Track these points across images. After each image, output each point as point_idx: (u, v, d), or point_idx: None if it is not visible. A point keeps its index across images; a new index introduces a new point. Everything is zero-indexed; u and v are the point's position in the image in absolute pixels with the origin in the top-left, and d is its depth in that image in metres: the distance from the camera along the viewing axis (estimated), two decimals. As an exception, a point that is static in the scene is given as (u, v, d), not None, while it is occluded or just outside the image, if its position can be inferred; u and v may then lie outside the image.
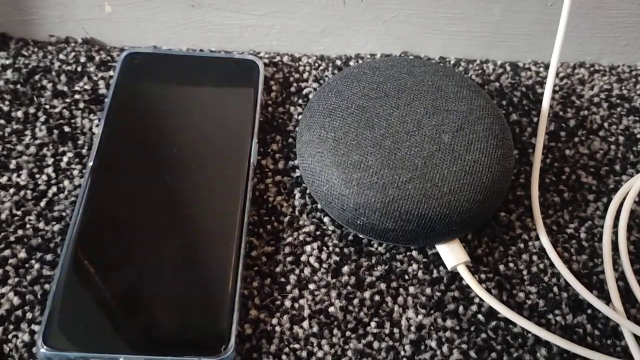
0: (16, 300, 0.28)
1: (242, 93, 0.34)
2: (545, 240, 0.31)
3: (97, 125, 0.34)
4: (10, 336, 0.27)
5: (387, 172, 0.28)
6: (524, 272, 0.30)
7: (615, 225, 0.31)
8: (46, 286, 0.28)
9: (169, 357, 0.26)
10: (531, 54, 0.39)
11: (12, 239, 0.29)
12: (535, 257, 0.31)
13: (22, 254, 0.29)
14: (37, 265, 0.29)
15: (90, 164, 0.30)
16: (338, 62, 0.38)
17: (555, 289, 0.30)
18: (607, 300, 0.29)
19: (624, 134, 0.36)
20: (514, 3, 0.37)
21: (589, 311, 0.29)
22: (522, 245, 0.31)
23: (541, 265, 0.31)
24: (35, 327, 0.27)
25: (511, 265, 0.30)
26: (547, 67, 0.39)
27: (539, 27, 0.38)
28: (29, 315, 0.27)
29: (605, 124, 0.36)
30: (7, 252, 0.29)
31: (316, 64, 0.38)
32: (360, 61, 0.38)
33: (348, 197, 0.28)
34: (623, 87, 0.38)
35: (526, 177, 0.34)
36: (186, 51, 0.37)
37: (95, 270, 0.28)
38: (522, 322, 0.28)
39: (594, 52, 0.40)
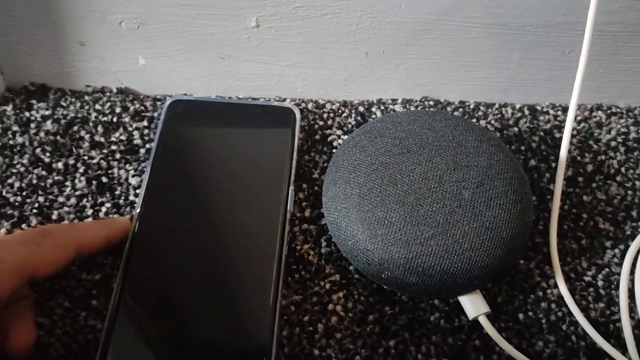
0: (62, 350, 0.29)
1: (280, 140, 0.36)
2: (563, 288, 0.32)
3: (133, 175, 0.35)
4: (57, 384, 0.29)
5: (410, 229, 0.29)
6: (543, 321, 0.31)
7: (632, 272, 0.32)
8: (89, 336, 0.30)
9: None
10: (549, 97, 0.40)
11: (55, 289, 0.31)
12: (553, 305, 0.32)
13: (66, 304, 0.31)
14: (82, 314, 0.30)
15: (138, 210, 0.32)
16: (361, 109, 0.39)
17: (573, 337, 0.31)
18: (624, 349, 0.30)
19: (640, 179, 0.37)
20: (531, 50, 0.38)
21: (607, 360, 0.30)
22: (540, 294, 0.32)
23: (559, 314, 0.32)
24: (80, 376, 0.29)
25: (530, 313, 0.32)
26: (565, 109, 0.40)
27: (556, 72, 0.39)
28: (74, 364, 0.29)
29: (623, 169, 0.37)
30: (52, 303, 0.31)
31: (339, 111, 0.39)
32: (382, 107, 0.39)
33: (373, 253, 0.29)
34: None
35: (544, 224, 0.35)
36: (227, 98, 0.39)
37: (143, 312, 0.29)
38: (541, 371, 0.29)
39: (611, 95, 0.41)
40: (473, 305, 0.30)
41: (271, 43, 0.37)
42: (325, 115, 0.39)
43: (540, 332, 0.31)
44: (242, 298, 0.30)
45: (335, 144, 0.38)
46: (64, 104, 0.39)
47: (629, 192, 0.36)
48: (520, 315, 0.32)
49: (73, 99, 0.39)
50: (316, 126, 0.38)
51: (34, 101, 0.38)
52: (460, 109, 0.40)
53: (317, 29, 0.36)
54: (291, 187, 0.34)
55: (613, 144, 0.38)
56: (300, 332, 0.31)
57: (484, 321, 0.30)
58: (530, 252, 0.34)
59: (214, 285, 0.30)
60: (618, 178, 0.37)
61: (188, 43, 0.37)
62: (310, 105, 0.39)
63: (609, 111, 0.40)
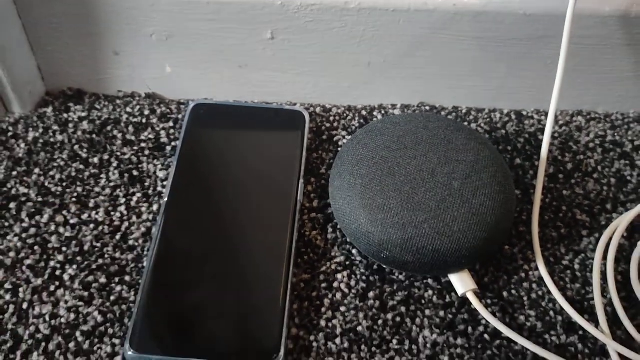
0: (100, 318, 0.34)
1: (292, 139, 0.40)
2: (543, 271, 0.36)
3: (160, 169, 0.40)
4: (95, 348, 0.33)
5: (406, 214, 0.33)
6: (525, 298, 0.35)
7: (605, 257, 0.36)
8: (123, 307, 0.34)
9: None
10: (534, 104, 0.45)
11: (94, 266, 0.35)
12: (534, 285, 0.36)
13: (103, 280, 0.35)
14: (118, 289, 0.35)
15: (165, 199, 0.37)
16: (364, 113, 0.44)
17: (551, 313, 0.35)
18: (596, 324, 0.34)
19: (615, 176, 0.41)
20: (517, 61, 0.42)
21: (580, 332, 0.34)
22: (523, 275, 0.36)
23: (540, 293, 0.36)
24: (116, 341, 0.33)
25: (514, 292, 0.36)
26: (547, 115, 0.44)
27: (540, 81, 0.43)
28: (110, 331, 0.33)
29: (599, 167, 0.41)
30: (90, 278, 0.35)
31: (344, 114, 0.44)
32: (382, 111, 0.44)
33: (373, 234, 0.33)
34: (616, 134, 0.43)
35: (528, 215, 0.39)
36: (245, 103, 0.43)
37: (170, 289, 0.33)
38: (522, 341, 0.33)
39: (591, 102, 0.45)
40: (462, 283, 0.34)
41: (284, 54, 0.42)
42: (331, 119, 0.43)
43: (522, 308, 0.35)
44: (258, 276, 0.34)
45: (340, 143, 0.42)
46: (98, 106, 0.43)
47: (605, 188, 0.40)
48: (505, 294, 0.35)
49: (106, 103, 0.43)
50: (323, 128, 0.43)
51: (71, 104, 0.43)
52: (454, 114, 0.44)
53: (325, 41, 0.41)
54: (301, 181, 0.38)
55: (591, 145, 0.42)
56: (309, 306, 0.35)
57: (471, 297, 0.34)
58: (514, 239, 0.38)
59: (233, 266, 0.35)
60: (595, 175, 0.41)
61: (210, 53, 0.42)
62: (318, 109, 0.44)
63: (588, 116, 0.44)
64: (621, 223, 0.37)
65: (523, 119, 0.44)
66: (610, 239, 0.37)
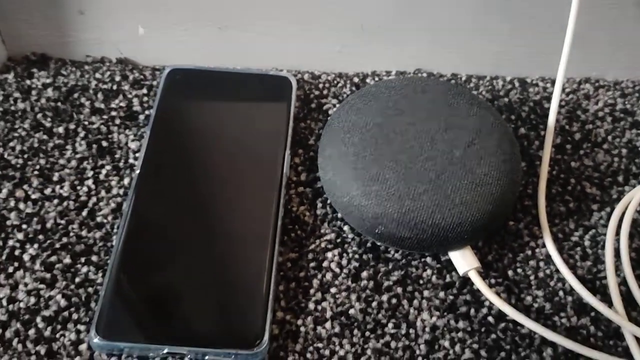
0: (63, 302, 0.30)
1: (277, 107, 0.37)
2: (551, 248, 0.33)
3: (132, 140, 0.36)
4: (58, 335, 0.29)
5: (403, 185, 0.30)
6: (532, 277, 0.32)
7: (618, 233, 0.34)
8: (89, 289, 0.31)
9: (209, 350, 0.28)
10: (539, 70, 0.41)
11: (57, 245, 0.32)
12: (542, 263, 0.33)
13: (67, 260, 0.32)
14: (83, 270, 0.31)
15: (137, 171, 0.33)
16: (355, 80, 0.40)
17: (560, 293, 0.32)
18: (610, 304, 0.31)
19: (626, 147, 0.38)
20: (522, 23, 0.39)
21: (593, 314, 0.31)
22: (529, 252, 0.33)
23: (547, 271, 0.33)
24: (81, 327, 0.30)
25: (519, 270, 0.33)
26: (553, 82, 0.41)
27: (545, 45, 0.40)
28: (74, 316, 0.30)
29: (609, 137, 0.38)
30: (53, 258, 0.32)
31: (335, 81, 0.40)
32: (376, 78, 0.40)
33: (367, 208, 0.30)
34: (626, 102, 0.40)
35: (534, 188, 0.36)
36: (224, 68, 0.40)
37: (142, 269, 0.30)
38: (529, 323, 0.30)
39: (599, 68, 0.42)
40: (464, 260, 0.31)
41: (269, 14, 0.38)
42: (320, 86, 0.40)
43: (529, 288, 0.32)
44: (240, 256, 0.31)
45: (330, 112, 0.39)
46: (64, 72, 0.39)
47: (615, 159, 0.37)
48: (510, 272, 0.33)
49: (73, 68, 0.40)
50: (312, 95, 0.39)
51: (35, 70, 0.39)
52: (452, 81, 0.41)
53: (314, 1, 0.37)
54: (287, 152, 0.35)
55: (600, 114, 0.39)
56: (296, 287, 0.31)
57: (474, 276, 0.31)
58: (519, 214, 0.35)
59: (211, 243, 0.31)
60: (605, 146, 0.38)
61: (186, 13, 0.38)
62: (306, 76, 0.40)
63: (596, 84, 0.41)
64: (635, 196, 0.34)
65: (527, 87, 0.41)
66: (624, 213, 0.34)
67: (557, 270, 0.33)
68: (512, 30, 0.39)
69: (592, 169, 0.37)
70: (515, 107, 0.39)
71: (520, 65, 0.41)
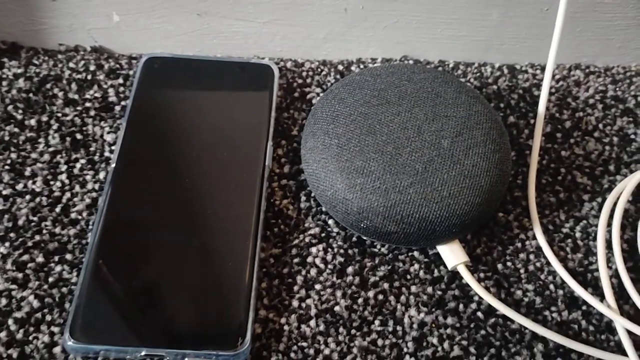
0: (36, 304, 0.29)
1: (258, 97, 0.35)
2: (541, 240, 0.32)
3: (108, 132, 0.35)
4: (31, 337, 0.28)
5: (389, 177, 0.29)
6: (522, 271, 0.32)
7: (609, 224, 0.33)
8: (64, 289, 0.29)
9: (188, 351, 0.27)
10: (528, 57, 0.40)
11: (29, 244, 0.31)
12: (532, 256, 0.32)
13: (40, 259, 0.30)
14: (57, 269, 0.30)
15: (113, 165, 0.32)
16: (340, 67, 0.39)
17: (551, 286, 0.31)
18: (601, 297, 0.31)
19: (618, 135, 0.37)
20: (511, 8, 0.38)
21: (584, 308, 0.31)
22: (519, 245, 0.32)
23: (538, 264, 0.32)
24: (55, 329, 0.28)
25: (509, 264, 0.32)
26: (543, 69, 0.40)
27: (535, 31, 0.39)
28: (48, 318, 0.29)
29: (600, 125, 0.37)
30: (25, 257, 0.30)
31: (319, 69, 0.39)
32: (361, 66, 0.39)
33: (352, 202, 0.29)
34: (617, 89, 0.39)
35: (523, 178, 0.35)
36: (204, 56, 0.38)
37: (118, 268, 0.29)
38: (519, 319, 0.29)
39: (589, 54, 0.41)
40: (452, 255, 0.30)
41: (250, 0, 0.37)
42: (304, 74, 0.38)
43: (519, 282, 0.31)
44: (221, 252, 0.30)
45: (314, 101, 0.37)
46: (36, 62, 0.38)
47: (607, 147, 0.36)
48: (499, 266, 0.32)
49: (46, 58, 0.38)
50: (295, 84, 0.38)
51: (5, 59, 0.37)
52: (440, 68, 0.39)
53: (295, -17, 0.36)
54: (270, 144, 0.34)
55: (591, 101, 0.38)
56: (280, 284, 0.30)
57: (463, 270, 0.30)
58: (509, 205, 0.34)
59: (190, 240, 0.30)
60: (596, 134, 0.37)
61: (163, -1, 0.37)
62: (289, 64, 0.39)
63: (587, 70, 0.40)
64: (627, 186, 0.34)
65: (516, 74, 0.39)
66: (615, 203, 0.33)
67: (548, 263, 0.32)
68: (501, 16, 0.38)
69: (582, 158, 0.36)
70: (504, 94, 0.38)
71: (510, 51, 0.40)
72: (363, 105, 0.31)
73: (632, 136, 0.37)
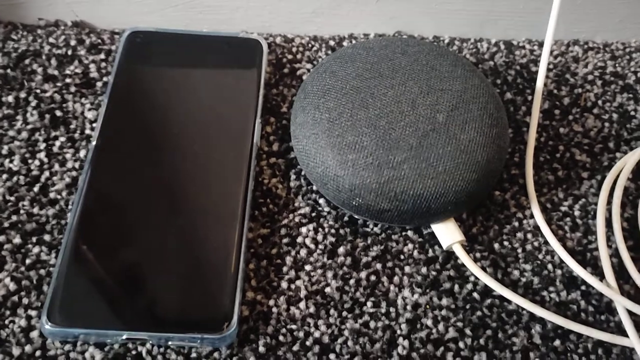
0: (12, 286, 0.28)
1: (246, 73, 0.34)
2: (539, 218, 0.31)
3: (89, 109, 0.33)
4: (7, 322, 0.27)
5: (382, 153, 0.28)
6: (519, 250, 0.30)
7: (609, 202, 0.32)
8: (42, 271, 0.28)
9: (172, 334, 0.26)
10: (525, 32, 0.39)
11: (6, 224, 0.29)
12: (529, 235, 0.31)
13: (17, 240, 0.29)
14: (35, 250, 0.29)
15: (94, 143, 0.30)
16: (331, 43, 0.38)
17: (549, 266, 0.30)
18: (601, 277, 0.30)
19: (617, 112, 0.36)
20: (508, -20, 0.36)
21: (583, 288, 0.30)
22: (516, 224, 0.31)
23: (535, 243, 0.31)
24: (32, 313, 0.27)
25: (506, 243, 0.31)
26: (541, 45, 0.39)
27: (533, 5, 0.38)
28: (25, 301, 0.27)
29: (599, 102, 0.36)
30: (1, 238, 0.29)
31: (309, 45, 0.37)
32: (353, 41, 0.38)
33: (343, 179, 0.28)
34: (617, 65, 0.38)
35: (521, 155, 0.34)
36: (189, 30, 0.37)
37: (99, 249, 0.28)
38: (516, 299, 0.28)
39: (588, 30, 0.39)
40: (447, 233, 0.29)
41: (236, -30, 0.35)
42: (294, 50, 0.37)
43: (516, 262, 0.30)
44: (207, 232, 0.29)
45: (304, 77, 0.36)
46: (14, 37, 0.36)
47: (606, 124, 0.35)
48: (496, 245, 0.31)
49: (25, 33, 0.36)
50: (284, 60, 0.37)
51: (-19, 34, 0.36)
52: (434, 43, 0.38)
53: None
54: (258, 121, 0.32)
55: (590, 77, 0.37)
56: (268, 265, 0.29)
57: (458, 250, 0.29)
58: (506, 184, 0.33)
59: (175, 220, 0.29)
60: (595, 111, 0.36)
61: (147, -30, 0.35)
62: (278, 39, 0.37)
63: (585, 46, 0.39)
64: (627, 163, 0.32)
65: (513, 49, 0.38)
66: (615, 181, 0.32)
67: (546, 242, 0.31)
68: (497, -11, 0.37)
69: (581, 135, 0.35)
70: (501, 70, 0.37)
71: (506, 26, 0.39)
72: (355, 78, 0.30)
73: (632, 112, 0.36)
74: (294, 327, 0.28)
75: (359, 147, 0.28)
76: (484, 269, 0.30)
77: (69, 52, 0.35)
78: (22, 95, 0.33)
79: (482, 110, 0.29)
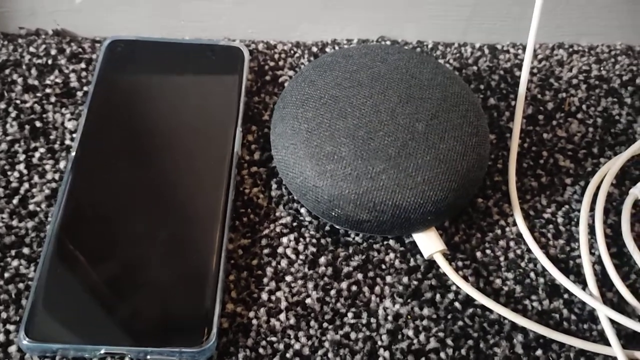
0: (-10, 301, 0.27)
1: (227, 80, 0.34)
2: (522, 226, 0.31)
3: (69, 119, 0.33)
4: (-15, 336, 0.27)
5: (360, 163, 0.28)
6: (501, 259, 0.30)
7: (592, 208, 0.31)
8: (20, 285, 0.28)
9: (150, 348, 0.26)
10: (509, 36, 0.39)
11: (-16, 238, 0.29)
12: (512, 243, 0.31)
13: (-4, 253, 0.29)
14: (14, 263, 0.28)
15: (73, 153, 0.30)
16: (314, 49, 0.37)
17: (532, 274, 0.30)
18: (584, 285, 0.29)
19: (602, 116, 0.36)
20: (491, -15, 0.36)
21: (566, 296, 0.29)
22: (499, 232, 0.31)
23: (518, 251, 0.31)
24: (10, 327, 0.27)
25: (488, 252, 0.30)
26: (525, 49, 0.38)
27: (517, 9, 0.37)
28: (3, 315, 0.27)
29: (584, 106, 0.36)
30: (-20, 252, 0.29)
31: (292, 51, 0.37)
32: (336, 47, 0.37)
33: (322, 189, 0.28)
34: (602, 68, 0.38)
35: (504, 162, 0.33)
36: (170, 38, 0.36)
37: (77, 262, 0.27)
38: (498, 309, 0.28)
39: (573, 33, 0.39)
40: (428, 243, 0.29)
41: (216, -22, 0.35)
42: (276, 56, 0.37)
43: (498, 270, 0.30)
44: (187, 243, 0.29)
45: (286, 85, 0.36)
46: (-5, 47, 0.36)
47: (590, 129, 0.35)
48: (478, 254, 0.30)
49: (5, 42, 0.36)
50: (266, 67, 0.36)
51: (-39, 44, 0.36)
52: (418, 49, 0.38)
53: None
54: (239, 129, 0.32)
55: (574, 81, 0.37)
56: (248, 276, 0.29)
57: (439, 259, 0.29)
58: (488, 191, 0.32)
59: (156, 230, 0.29)
60: (579, 115, 0.36)
61: (127, -22, 0.35)
62: (260, 46, 0.37)
63: (570, 49, 0.39)
64: (610, 169, 0.32)
65: (497, 54, 0.38)
66: (598, 187, 0.32)
67: (529, 250, 0.31)
68: (480, -7, 0.37)
69: (565, 140, 0.35)
70: (485, 75, 0.37)
71: (490, 30, 0.39)
72: (334, 87, 0.30)
73: (617, 117, 0.36)
74: (274, 339, 0.27)
75: (338, 158, 0.28)
76: (465, 278, 0.30)
77: (50, 62, 0.35)
78: (2, 106, 0.33)
79: (462, 118, 0.29)
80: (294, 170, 0.29)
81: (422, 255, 0.30)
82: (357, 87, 0.30)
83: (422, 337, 0.28)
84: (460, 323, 0.28)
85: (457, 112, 0.29)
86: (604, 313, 0.28)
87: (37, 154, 0.32)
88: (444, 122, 0.29)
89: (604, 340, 0.28)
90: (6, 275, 0.28)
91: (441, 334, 0.28)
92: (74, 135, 0.33)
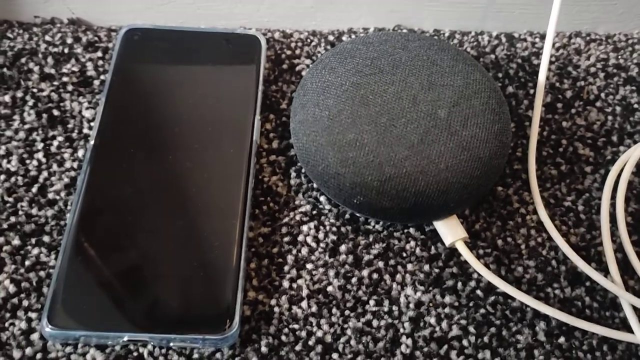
0: (12, 288, 0.27)
1: (245, 69, 0.34)
2: (543, 214, 0.31)
3: (87, 108, 0.33)
4: (7, 324, 0.27)
5: (383, 150, 0.27)
6: (522, 247, 0.30)
7: (613, 197, 0.31)
8: (41, 273, 0.28)
9: (173, 335, 0.26)
10: (527, 25, 0.39)
11: (4, 226, 0.29)
12: (533, 231, 0.31)
13: (16, 241, 0.29)
14: (34, 251, 0.28)
15: (92, 142, 0.30)
16: (330, 38, 0.37)
17: (553, 262, 0.30)
18: (606, 272, 0.29)
19: (620, 104, 0.35)
20: (509, -28, 0.36)
21: (588, 284, 0.29)
22: (519, 220, 0.31)
23: (539, 239, 0.30)
24: (32, 315, 0.27)
25: (509, 239, 0.30)
26: (542, 37, 0.38)
27: (534, -3, 0.37)
28: (25, 303, 0.27)
29: (602, 95, 0.36)
30: (0, 240, 0.29)
31: (308, 40, 0.37)
32: (353, 36, 0.37)
33: (344, 177, 0.28)
34: (619, 57, 0.38)
35: (523, 150, 0.33)
36: (187, 26, 0.36)
37: (99, 250, 0.27)
38: (520, 296, 0.28)
39: (590, 21, 0.39)
40: (450, 231, 0.29)
41: (233, -35, 0.35)
42: (293, 45, 0.37)
43: (520, 258, 0.30)
44: (207, 232, 0.28)
45: (303, 73, 0.35)
46: (10, 35, 0.36)
47: (609, 117, 0.35)
48: (499, 242, 0.30)
49: (20, 31, 0.36)
50: (283, 56, 0.36)
51: (-23, 33, 0.36)
52: (435, 37, 0.38)
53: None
54: (257, 118, 0.32)
55: (592, 70, 0.37)
56: (269, 264, 0.29)
57: (461, 247, 0.29)
58: (508, 179, 0.32)
59: (174, 220, 0.29)
60: (598, 104, 0.35)
61: (143, -34, 0.35)
62: (277, 35, 0.37)
63: (587, 38, 0.39)
64: (631, 156, 0.32)
65: (515, 42, 0.38)
66: (619, 175, 0.32)
67: (550, 238, 0.30)
68: (498, -19, 0.36)
69: (584, 128, 0.34)
70: (503, 64, 0.37)
71: (508, 19, 0.38)
72: (355, 74, 0.29)
73: (635, 105, 0.35)
74: (296, 326, 0.27)
75: (360, 145, 0.28)
76: (487, 265, 0.29)
77: (66, 50, 0.35)
78: (19, 94, 0.33)
79: (484, 105, 0.29)
80: (316, 157, 0.28)
81: (442, 244, 0.30)
82: (378, 74, 0.29)
83: (444, 324, 0.28)
84: (482, 311, 0.28)
85: (479, 99, 0.29)
86: (627, 300, 0.28)
87: (55, 143, 0.32)
88: (466, 109, 0.28)
89: (626, 327, 0.28)
90: (27, 263, 0.28)
91: (463, 322, 0.28)
92: (92, 123, 0.32)
